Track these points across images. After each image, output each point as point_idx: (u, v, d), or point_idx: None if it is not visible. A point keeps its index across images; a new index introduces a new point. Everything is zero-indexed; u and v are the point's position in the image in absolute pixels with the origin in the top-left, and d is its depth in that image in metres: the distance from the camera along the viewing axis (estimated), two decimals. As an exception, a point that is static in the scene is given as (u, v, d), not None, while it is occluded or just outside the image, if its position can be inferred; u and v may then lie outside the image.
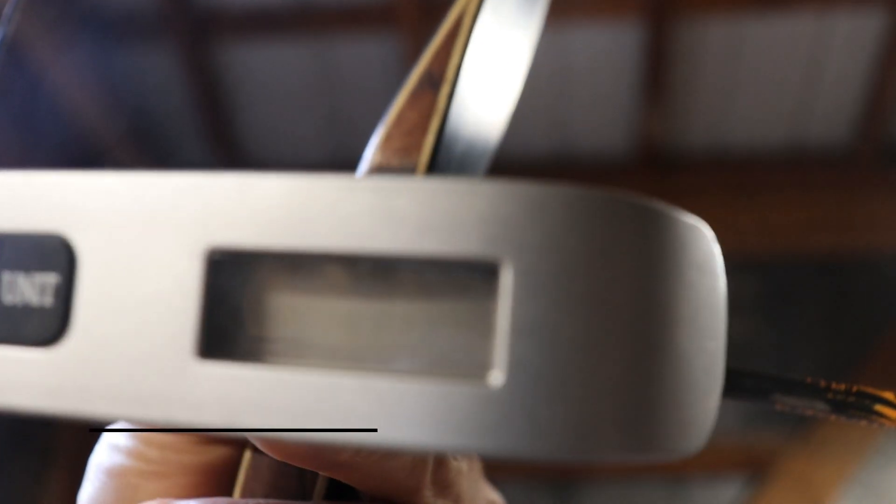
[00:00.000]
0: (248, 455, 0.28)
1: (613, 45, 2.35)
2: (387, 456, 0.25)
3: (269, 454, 0.25)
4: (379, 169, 0.30)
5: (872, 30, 2.30)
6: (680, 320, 0.20)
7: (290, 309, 0.20)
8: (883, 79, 2.37)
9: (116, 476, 0.27)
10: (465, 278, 0.20)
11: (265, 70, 2.40)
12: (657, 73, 2.35)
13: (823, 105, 2.48)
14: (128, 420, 0.22)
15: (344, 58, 2.35)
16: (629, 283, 0.19)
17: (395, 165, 0.30)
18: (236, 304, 0.20)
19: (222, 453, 0.28)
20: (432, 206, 0.19)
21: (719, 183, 2.59)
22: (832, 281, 2.58)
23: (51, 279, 0.21)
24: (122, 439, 0.28)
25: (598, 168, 2.64)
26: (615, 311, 0.19)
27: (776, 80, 2.42)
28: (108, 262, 0.21)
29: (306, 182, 0.20)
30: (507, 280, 0.19)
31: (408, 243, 0.19)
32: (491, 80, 0.35)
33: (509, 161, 2.63)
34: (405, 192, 0.19)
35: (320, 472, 0.27)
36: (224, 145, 2.56)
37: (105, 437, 0.28)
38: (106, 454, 0.28)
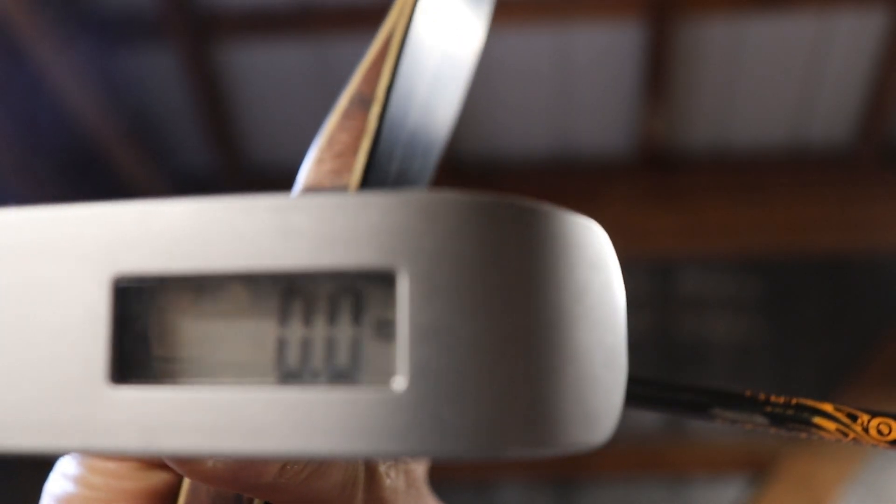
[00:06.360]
0: (187, 481, 0.28)
1: (614, 45, 2.34)
2: (314, 476, 0.26)
3: (188, 477, 0.25)
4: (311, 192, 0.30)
5: (873, 30, 2.29)
6: (575, 317, 0.21)
7: (196, 330, 0.21)
8: (884, 79, 2.36)
9: (65, 503, 0.28)
10: (364, 288, 0.20)
11: (265, 70, 2.40)
12: (658, 73, 2.35)
13: (824, 105, 2.47)
14: (47, 451, 0.22)
15: (344, 58, 2.35)
16: (522, 284, 0.20)
17: (327, 188, 0.30)
18: (145, 328, 0.21)
19: (163, 479, 0.28)
20: (327, 220, 0.20)
21: (720, 183, 2.59)
22: (833, 281, 2.58)
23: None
24: (70, 467, 0.28)
25: (598, 168, 2.64)
26: (510, 311, 0.20)
27: (777, 80, 2.41)
28: (17, 296, 0.21)
29: (205, 205, 0.20)
30: (403, 287, 0.20)
31: (306, 258, 0.20)
32: (426, 95, 0.35)
33: (510, 162, 2.63)
34: (301, 209, 0.20)
35: (250, 496, 0.27)
36: (224, 146, 2.56)
37: (58, 465, 0.29)
38: (56, 482, 0.29)
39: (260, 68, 2.43)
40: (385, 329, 0.20)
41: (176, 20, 2.29)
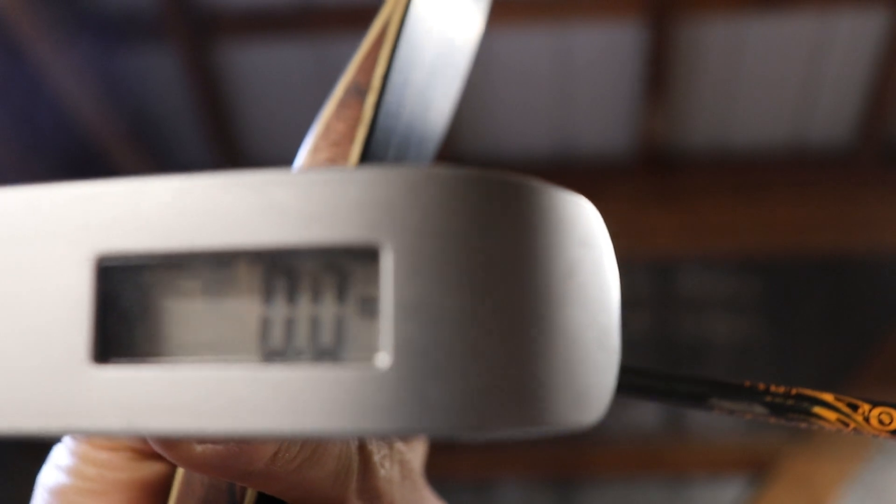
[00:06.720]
0: (180, 471, 0.28)
1: (614, 45, 2.34)
2: (306, 464, 0.25)
3: (177, 463, 0.24)
4: None
5: (873, 30, 2.29)
6: (565, 294, 0.20)
7: (179, 308, 0.20)
8: (884, 79, 2.36)
9: (58, 495, 0.28)
10: (348, 264, 0.20)
11: (265, 70, 2.41)
12: (658, 73, 2.35)
13: (824, 105, 2.48)
14: (29, 433, 0.22)
15: (344, 57, 2.34)
16: (509, 259, 0.19)
17: None
18: (128, 307, 0.21)
19: (157, 469, 0.28)
20: (310, 196, 0.19)
21: (720, 183, 2.59)
22: (833, 281, 2.58)
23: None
24: (63, 458, 0.28)
25: (598, 168, 2.64)
26: (497, 287, 0.19)
27: (777, 80, 2.41)
28: (-2, 276, 0.20)
29: (187, 183, 0.20)
30: (387, 263, 0.19)
31: (289, 235, 0.19)
32: (423, 85, 0.35)
33: (509, 161, 2.63)
34: (283, 185, 0.20)
35: (242, 484, 0.27)
36: (224, 146, 2.56)
37: (51, 456, 0.29)
38: (50, 474, 0.28)
39: (260, 68, 2.43)
40: (369, 306, 0.20)
41: (176, 20, 2.29)
